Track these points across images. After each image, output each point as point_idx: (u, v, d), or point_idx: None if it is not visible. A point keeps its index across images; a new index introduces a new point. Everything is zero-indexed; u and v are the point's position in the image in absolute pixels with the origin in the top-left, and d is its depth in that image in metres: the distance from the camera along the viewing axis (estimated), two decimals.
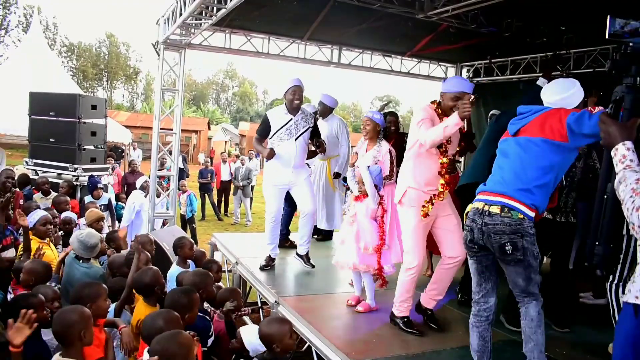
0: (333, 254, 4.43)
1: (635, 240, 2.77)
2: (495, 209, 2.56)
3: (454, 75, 3.68)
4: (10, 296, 3.35)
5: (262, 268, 5.03)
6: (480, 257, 2.74)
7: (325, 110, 6.10)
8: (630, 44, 2.00)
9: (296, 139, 4.81)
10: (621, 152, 1.85)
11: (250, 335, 3.13)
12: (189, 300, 2.98)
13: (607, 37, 2.10)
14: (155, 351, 2.31)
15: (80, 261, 4.00)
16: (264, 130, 4.90)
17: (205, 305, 3.76)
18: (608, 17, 2.10)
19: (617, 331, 1.95)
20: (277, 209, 5.06)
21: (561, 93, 2.77)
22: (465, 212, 2.78)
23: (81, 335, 2.48)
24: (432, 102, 3.53)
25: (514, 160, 2.64)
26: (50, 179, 6.72)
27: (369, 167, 4.03)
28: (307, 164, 5.44)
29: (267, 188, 5.04)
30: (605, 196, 2.01)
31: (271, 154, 4.72)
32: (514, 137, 2.71)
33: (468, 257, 2.83)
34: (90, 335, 2.55)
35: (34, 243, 4.18)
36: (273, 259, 5.14)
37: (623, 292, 1.92)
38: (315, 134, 5.01)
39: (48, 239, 4.37)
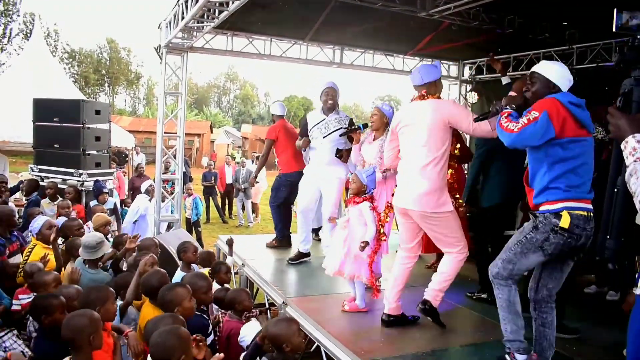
0: None
1: None
2: (591, 214, 2.69)
3: (419, 67, 3.54)
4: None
5: (289, 261, 5.30)
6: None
7: None
8: (638, 36, 1.99)
9: (324, 137, 4.99)
10: (631, 144, 1.84)
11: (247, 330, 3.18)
12: (173, 296, 3.01)
13: (614, 30, 2.09)
14: (155, 344, 2.34)
15: (87, 266, 4.02)
16: (302, 130, 5.28)
17: (215, 307, 3.77)
18: (615, 11, 2.09)
19: (631, 325, 1.93)
20: (305, 203, 5.30)
21: None
22: (566, 221, 2.65)
23: (90, 340, 2.48)
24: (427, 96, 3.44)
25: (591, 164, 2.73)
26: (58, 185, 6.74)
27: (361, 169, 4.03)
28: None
29: (301, 181, 5.36)
30: (616, 190, 1.99)
31: (305, 143, 5.15)
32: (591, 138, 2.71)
33: (546, 260, 2.78)
34: (99, 339, 2.55)
35: (40, 249, 4.19)
36: (303, 254, 5.33)
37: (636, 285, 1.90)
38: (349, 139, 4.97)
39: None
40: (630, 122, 1.87)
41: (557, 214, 2.64)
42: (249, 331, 3.16)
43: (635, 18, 2.02)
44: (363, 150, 4.38)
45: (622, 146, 1.88)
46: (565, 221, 2.63)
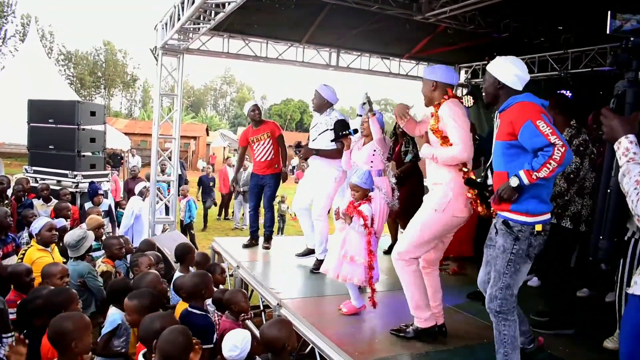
0: None
1: None
2: None
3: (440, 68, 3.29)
4: None
5: (297, 255, 5.48)
6: None
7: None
8: (631, 38, 2.01)
9: (313, 140, 5.03)
10: (624, 145, 1.86)
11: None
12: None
13: (608, 33, 2.11)
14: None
15: (72, 260, 4.15)
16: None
17: (211, 308, 3.75)
18: (609, 14, 2.11)
19: (623, 324, 1.94)
20: (299, 202, 5.35)
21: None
22: (539, 226, 2.69)
23: (72, 346, 2.41)
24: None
25: None
26: (50, 186, 6.71)
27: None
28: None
29: (300, 181, 5.56)
30: (609, 190, 2.00)
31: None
32: None
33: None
34: (83, 345, 2.47)
35: (34, 252, 4.17)
36: (311, 250, 5.37)
37: (629, 285, 1.91)
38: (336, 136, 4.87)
39: (52, 245, 4.36)
40: (623, 123, 1.89)
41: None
42: (236, 341, 2.91)
43: (628, 24, 2.04)
44: (353, 156, 4.41)
45: (615, 147, 1.90)
46: (539, 226, 2.63)
